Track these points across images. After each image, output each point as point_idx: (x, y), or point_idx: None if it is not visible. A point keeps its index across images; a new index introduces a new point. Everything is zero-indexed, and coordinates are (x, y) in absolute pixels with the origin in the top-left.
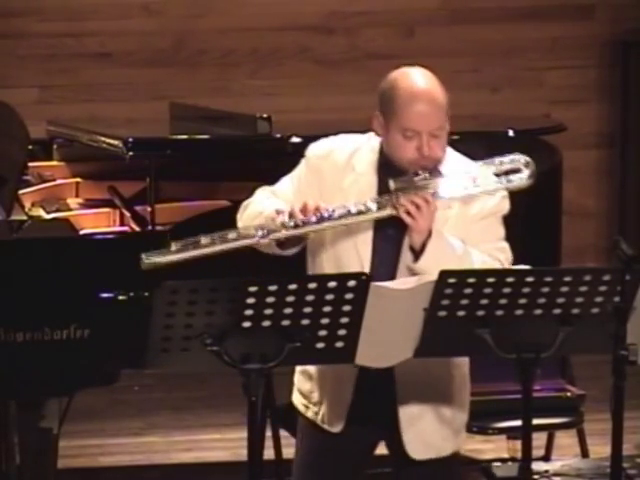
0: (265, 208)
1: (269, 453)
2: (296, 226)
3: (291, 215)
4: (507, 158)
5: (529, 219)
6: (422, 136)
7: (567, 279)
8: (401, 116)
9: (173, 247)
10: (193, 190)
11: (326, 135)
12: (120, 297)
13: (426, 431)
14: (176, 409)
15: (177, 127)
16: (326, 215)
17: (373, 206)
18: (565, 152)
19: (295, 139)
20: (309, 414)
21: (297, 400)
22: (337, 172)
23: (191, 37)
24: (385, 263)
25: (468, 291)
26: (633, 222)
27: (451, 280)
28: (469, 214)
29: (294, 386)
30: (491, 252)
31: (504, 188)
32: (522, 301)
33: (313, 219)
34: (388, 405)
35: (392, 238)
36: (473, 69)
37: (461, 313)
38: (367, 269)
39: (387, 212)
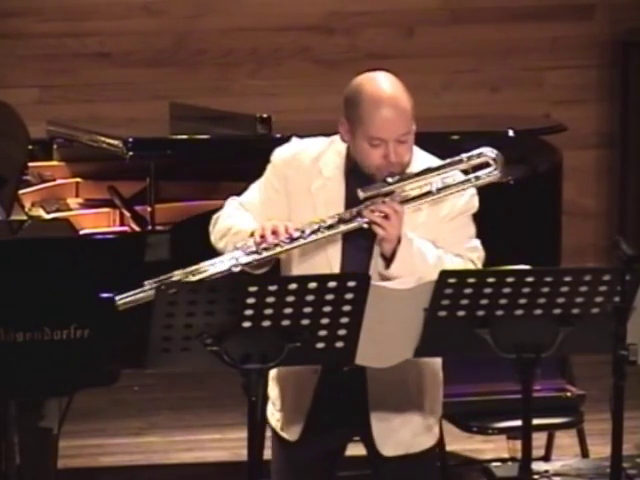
0: (234, 224)
1: (269, 453)
2: (267, 249)
3: (262, 237)
4: (475, 153)
5: (529, 219)
6: (388, 144)
7: (567, 279)
8: (367, 124)
9: (147, 285)
10: (193, 190)
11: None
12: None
13: (396, 427)
14: (176, 409)
15: (177, 127)
16: (297, 235)
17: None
18: (565, 152)
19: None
20: (273, 422)
21: (268, 407)
22: (304, 175)
23: (191, 37)
24: (356, 271)
25: (468, 291)
26: (633, 222)
27: (451, 280)
28: (439, 215)
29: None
30: (463, 252)
31: (473, 185)
32: (522, 301)
33: (285, 240)
34: (359, 404)
35: (362, 246)
36: (473, 69)
37: (461, 313)
38: None
39: (357, 224)
